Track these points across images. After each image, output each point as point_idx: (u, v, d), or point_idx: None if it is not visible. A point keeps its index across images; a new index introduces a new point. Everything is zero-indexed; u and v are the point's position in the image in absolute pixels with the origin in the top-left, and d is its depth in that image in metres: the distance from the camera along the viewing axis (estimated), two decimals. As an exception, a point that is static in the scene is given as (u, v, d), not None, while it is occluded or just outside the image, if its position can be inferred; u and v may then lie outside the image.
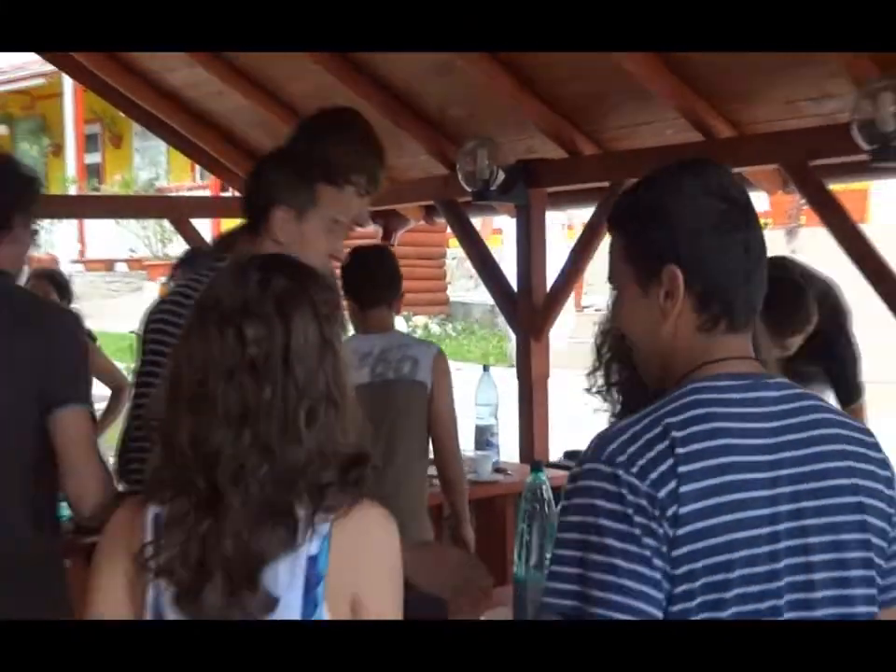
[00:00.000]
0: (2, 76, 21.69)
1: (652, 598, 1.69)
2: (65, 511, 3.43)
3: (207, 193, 9.91)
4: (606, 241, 4.73)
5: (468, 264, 6.21)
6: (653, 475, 1.69)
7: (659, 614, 1.69)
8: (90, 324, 4.45)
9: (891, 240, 4.47)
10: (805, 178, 4.57)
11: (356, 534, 1.77)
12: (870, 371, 4.73)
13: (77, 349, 3.05)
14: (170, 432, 1.79)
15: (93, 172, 22.86)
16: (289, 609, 1.75)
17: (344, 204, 2.97)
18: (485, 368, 5.78)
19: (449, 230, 6.16)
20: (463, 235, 6.12)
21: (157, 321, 2.93)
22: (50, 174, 22.76)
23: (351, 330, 4.43)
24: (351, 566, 1.76)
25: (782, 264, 4.00)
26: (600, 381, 2.73)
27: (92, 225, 19.85)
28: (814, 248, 7.79)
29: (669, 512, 1.68)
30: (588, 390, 2.87)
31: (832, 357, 4.26)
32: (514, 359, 6.20)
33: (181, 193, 15.54)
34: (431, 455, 4.38)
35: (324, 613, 1.75)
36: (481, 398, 5.54)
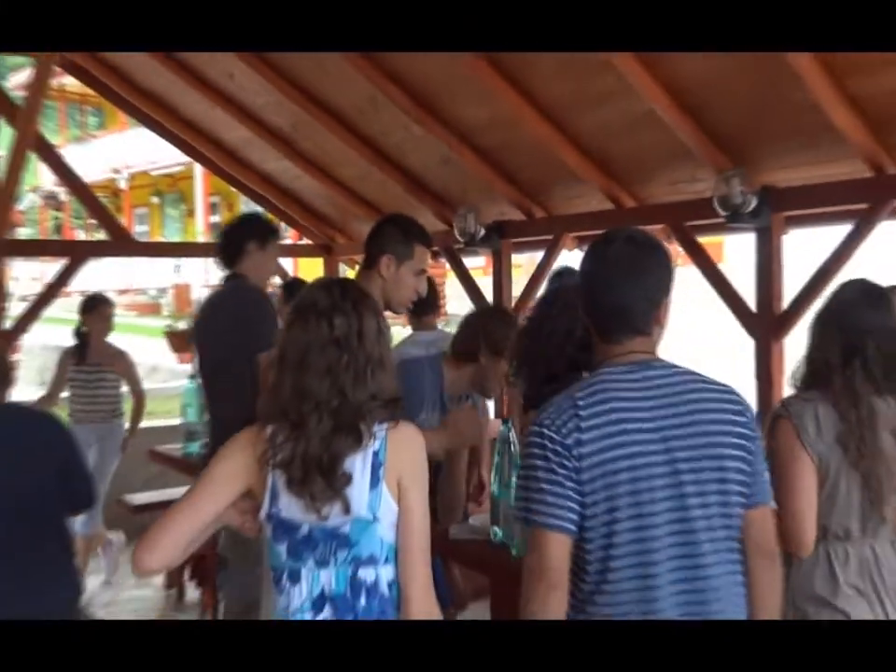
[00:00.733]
0: (154, 165, 21.75)
1: (566, 507, 1.83)
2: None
3: (289, 241, 10.11)
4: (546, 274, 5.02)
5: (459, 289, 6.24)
6: (564, 430, 1.84)
7: (573, 516, 1.82)
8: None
9: (738, 275, 4.67)
10: (682, 234, 4.59)
11: (400, 437, 1.84)
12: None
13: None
14: (277, 385, 1.88)
15: (215, 227, 23.01)
16: (361, 485, 1.78)
17: (426, 259, 3.07)
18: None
19: (447, 265, 6.32)
20: (456, 270, 6.01)
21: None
22: (186, 229, 22.77)
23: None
24: (398, 457, 1.82)
25: None
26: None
27: (212, 262, 19.94)
28: (687, 281, 7.81)
29: (574, 452, 1.82)
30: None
31: None
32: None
33: None
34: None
35: (383, 486, 1.79)
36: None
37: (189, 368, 11.13)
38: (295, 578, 1.82)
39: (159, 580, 5.41)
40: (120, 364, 5.83)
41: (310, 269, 8.26)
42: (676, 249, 5.04)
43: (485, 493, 3.69)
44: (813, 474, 2.32)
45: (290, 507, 1.81)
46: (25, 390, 6.45)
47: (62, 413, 5.08)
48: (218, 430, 3.60)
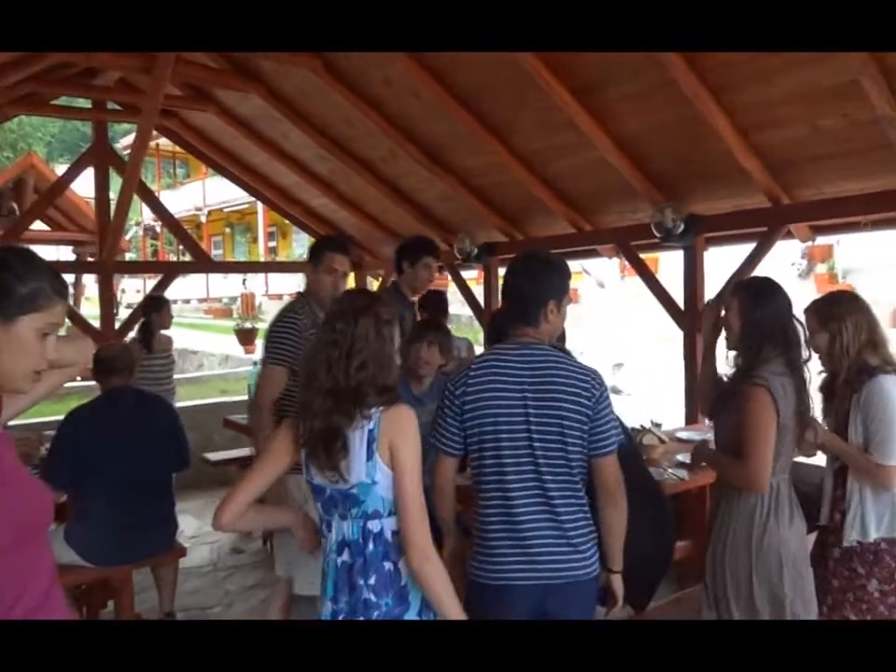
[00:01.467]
0: (227, 204, 21.80)
1: (455, 436, 2.01)
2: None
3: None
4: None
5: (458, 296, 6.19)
6: (457, 385, 2.01)
7: (458, 445, 2.01)
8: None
9: (671, 284, 4.66)
10: (628, 251, 4.58)
11: (393, 416, 1.73)
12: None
13: None
14: (304, 384, 1.84)
15: (272, 251, 23.05)
16: (359, 457, 1.70)
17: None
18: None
19: (449, 277, 6.29)
20: (456, 281, 5.93)
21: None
22: (251, 252, 22.73)
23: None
24: (389, 429, 1.71)
25: None
26: None
27: (272, 276, 20.10)
28: (631, 289, 7.72)
29: (459, 401, 2.00)
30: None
31: None
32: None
33: None
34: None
35: (377, 456, 1.70)
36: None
37: (252, 357, 11.25)
38: (328, 527, 1.80)
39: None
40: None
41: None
42: (623, 263, 5.09)
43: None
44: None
45: (315, 475, 1.77)
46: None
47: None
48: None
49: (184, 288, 21.71)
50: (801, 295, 2.79)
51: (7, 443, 1.28)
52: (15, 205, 10.44)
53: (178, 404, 5.50)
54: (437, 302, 4.22)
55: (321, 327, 1.84)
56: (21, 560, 1.21)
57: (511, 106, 4.02)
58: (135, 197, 5.75)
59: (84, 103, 5.84)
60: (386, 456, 1.71)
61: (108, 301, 5.76)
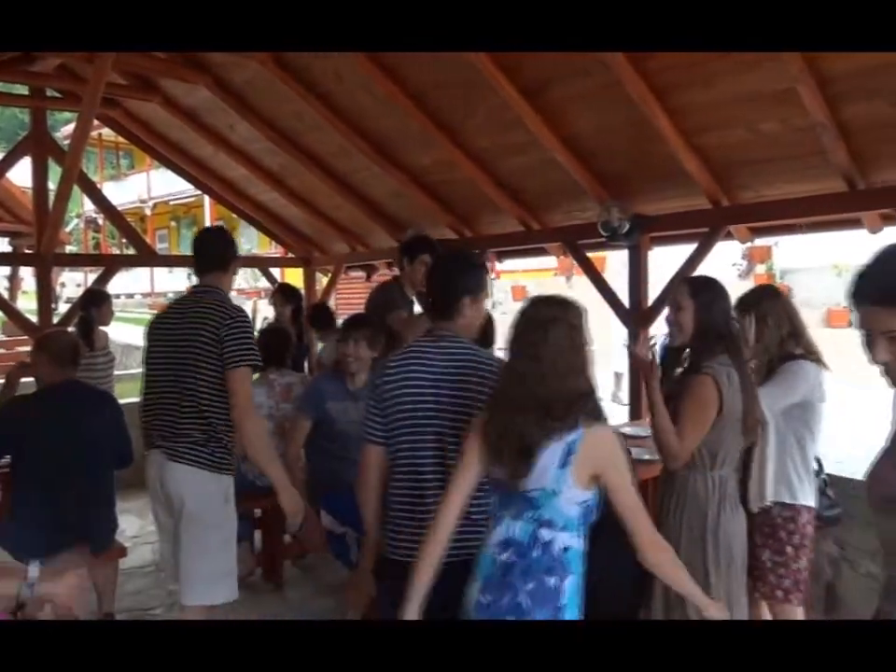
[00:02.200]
0: (172, 196, 21.35)
1: (378, 424, 2.09)
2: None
3: (278, 255, 9.96)
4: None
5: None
6: (381, 377, 2.11)
7: (381, 433, 2.08)
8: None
9: (617, 281, 4.73)
10: (575, 250, 4.62)
11: (598, 439, 1.71)
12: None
13: None
14: (499, 391, 1.86)
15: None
16: (550, 464, 1.69)
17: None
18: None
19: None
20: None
21: None
22: (196, 248, 22.72)
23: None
24: (594, 454, 1.69)
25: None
26: None
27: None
28: (580, 286, 7.82)
29: (379, 390, 2.10)
30: None
31: None
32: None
33: (264, 255, 15.31)
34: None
35: (570, 470, 1.68)
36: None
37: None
38: (498, 522, 1.80)
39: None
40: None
41: (293, 277, 8.14)
42: (571, 262, 5.14)
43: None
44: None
45: (497, 470, 1.77)
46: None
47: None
48: None
49: (127, 283, 21.16)
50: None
51: None
52: (-53, 195, 10.00)
53: (120, 401, 5.33)
54: (325, 315, 4.73)
55: (513, 339, 1.83)
56: None
57: (462, 104, 4.03)
58: (76, 188, 5.57)
59: (22, 89, 5.61)
60: (584, 476, 1.70)
61: (46, 294, 5.55)
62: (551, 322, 1.76)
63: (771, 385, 2.55)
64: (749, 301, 2.66)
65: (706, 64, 3.03)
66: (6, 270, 12.23)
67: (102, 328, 5.03)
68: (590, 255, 4.70)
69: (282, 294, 5.54)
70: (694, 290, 2.43)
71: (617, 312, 4.39)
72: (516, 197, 4.65)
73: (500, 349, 2.13)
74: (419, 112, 4.16)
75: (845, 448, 4.63)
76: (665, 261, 4.61)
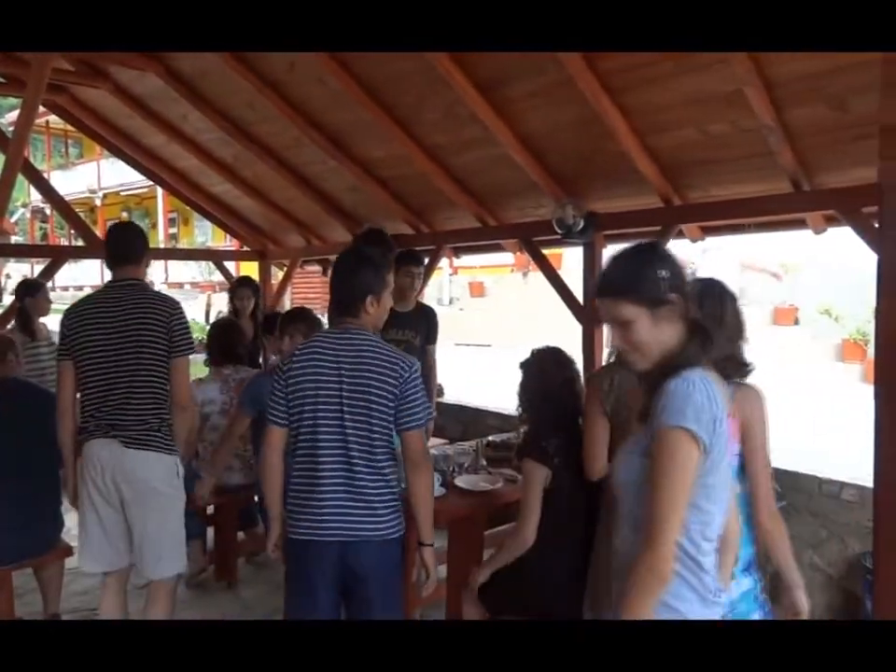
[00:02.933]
0: (125, 187, 20.93)
1: (282, 409, 2.22)
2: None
3: (232, 248, 9.81)
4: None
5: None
6: (287, 364, 2.23)
7: (284, 416, 2.21)
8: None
9: (572, 278, 4.75)
10: (531, 246, 4.61)
11: (747, 393, 1.92)
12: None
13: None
14: None
15: (173, 237, 22.27)
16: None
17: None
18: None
19: None
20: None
21: None
22: (150, 239, 22.10)
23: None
24: (742, 406, 1.85)
25: None
26: None
27: (171, 264, 19.47)
28: (535, 283, 7.86)
29: (284, 376, 2.22)
30: None
31: None
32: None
33: (219, 248, 15.26)
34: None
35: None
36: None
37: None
38: None
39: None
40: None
41: (248, 270, 8.02)
42: (528, 258, 5.13)
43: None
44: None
45: None
46: None
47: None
48: None
49: (77, 275, 20.62)
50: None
51: None
52: None
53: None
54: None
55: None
56: None
57: (417, 98, 4.00)
58: (21, 177, 5.38)
59: (-38, 73, 5.40)
60: (735, 430, 1.79)
61: (-11, 286, 5.37)
62: (727, 293, 2.01)
63: None
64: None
65: (656, 65, 3.06)
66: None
67: (42, 318, 4.93)
68: (546, 252, 4.72)
69: (249, 288, 5.43)
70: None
71: (571, 308, 4.42)
72: (472, 193, 4.64)
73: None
74: (374, 105, 4.12)
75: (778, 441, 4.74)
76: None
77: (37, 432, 3.04)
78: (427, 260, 5.20)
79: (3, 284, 13.10)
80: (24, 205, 22.69)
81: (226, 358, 4.10)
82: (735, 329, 2.02)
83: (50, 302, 5.07)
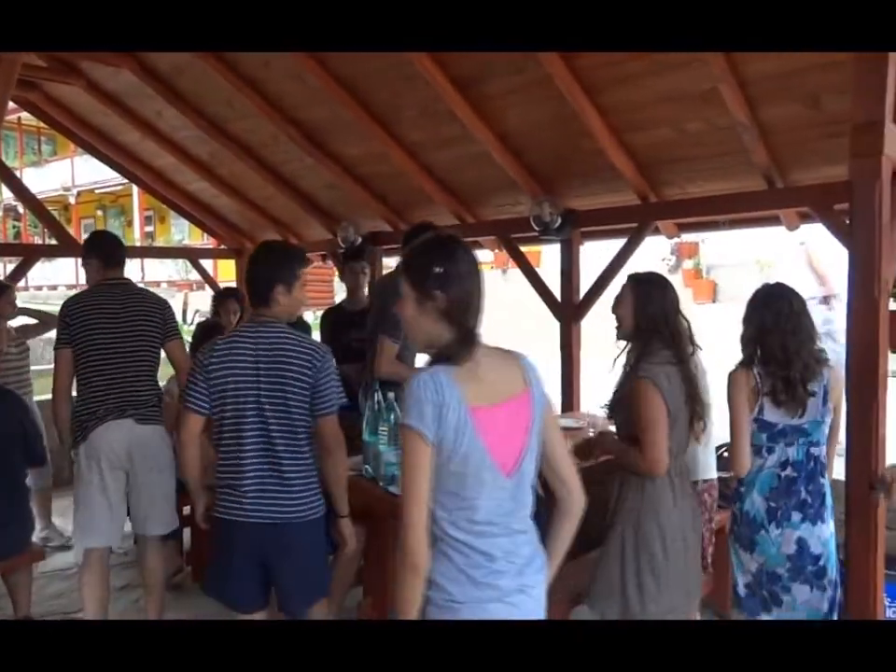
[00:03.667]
0: (99, 185, 20.64)
1: (200, 399, 2.28)
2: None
3: (210, 246, 9.70)
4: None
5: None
6: (206, 357, 2.29)
7: (205, 405, 2.28)
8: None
9: (550, 276, 4.75)
10: (509, 244, 4.64)
11: (838, 375, 2.41)
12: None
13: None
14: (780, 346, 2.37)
15: (149, 235, 22.02)
16: (818, 401, 2.37)
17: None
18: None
19: (333, 267, 6.17)
20: (340, 269, 5.30)
21: None
22: (126, 237, 21.74)
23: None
24: (837, 386, 2.42)
25: None
26: None
27: (148, 262, 19.27)
28: (515, 280, 7.87)
29: (206, 370, 2.28)
30: None
31: None
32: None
33: (196, 246, 14.88)
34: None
35: (829, 402, 2.42)
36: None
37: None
38: (770, 451, 2.40)
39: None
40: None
41: (226, 268, 7.95)
42: (507, 255, 5.12)
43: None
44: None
45: (770, 413, 2.37)
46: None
47: None
48: None
49: (49, 274, 20.29)
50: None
51: None
52: None
53: (39, 397, 5.07)
54: None
55: (774, 305, 2.39)
56: None
57: (395, 95, 3.99)
58: (-9, 174, 5.30)
59: (-70, 68, 5.28)
60: (831, 404, 2.40)
61: (-41, 285, 5.25)
62: (798, 298, 2.43)
63: None
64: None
65: (632, 63, 3.08)
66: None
67: (10, 320, 4.73)
68: (525, 250, 4.74)
69: (237, 301, 4.87)
70: (633, 285, 2.43)
71: (549, 305, 4.42)
72: (450, 190, 4.65)
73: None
74: (352, 102, 4.10)
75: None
76: (599, 256, 4.66)
77: (4, 433, 2.99)
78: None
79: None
80: (-4, 203, 22.34)
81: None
82: (813, 329, 2.39)
83: (15, 306, 4.97)
